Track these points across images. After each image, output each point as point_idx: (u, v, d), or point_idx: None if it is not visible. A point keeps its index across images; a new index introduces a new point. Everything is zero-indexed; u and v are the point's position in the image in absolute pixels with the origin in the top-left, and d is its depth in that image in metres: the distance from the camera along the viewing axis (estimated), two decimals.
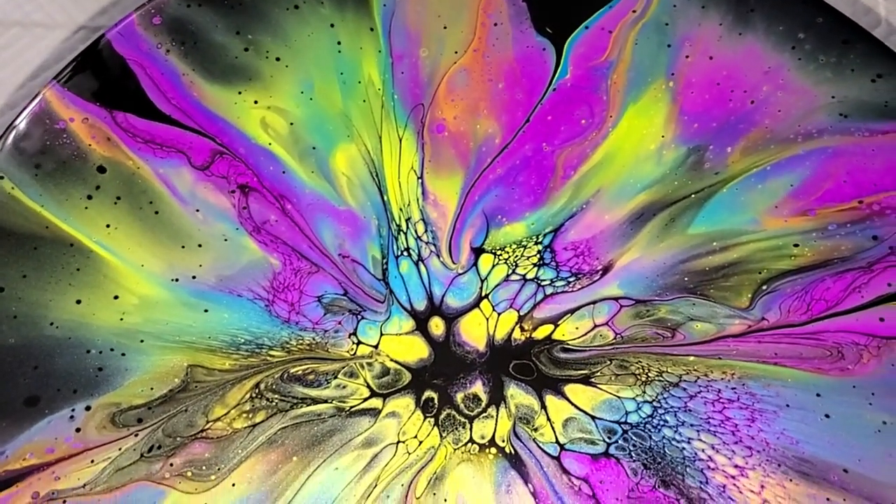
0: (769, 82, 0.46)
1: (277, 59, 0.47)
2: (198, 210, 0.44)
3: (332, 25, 0.48)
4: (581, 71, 0.47)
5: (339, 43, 0.48)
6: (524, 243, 0.44)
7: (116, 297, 0.42)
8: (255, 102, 0.46)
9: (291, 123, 0.46)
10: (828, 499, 0.38)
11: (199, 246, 0.43)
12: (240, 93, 0.46)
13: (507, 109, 0.46)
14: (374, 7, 0.48)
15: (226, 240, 0.44)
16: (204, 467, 0.39)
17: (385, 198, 0.45)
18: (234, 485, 0.39)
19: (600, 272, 0.43)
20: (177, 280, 0.43)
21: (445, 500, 0.39)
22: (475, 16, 0.48)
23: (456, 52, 0.47)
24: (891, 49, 0.46)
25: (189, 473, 0.39)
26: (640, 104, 0.46)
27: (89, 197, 0.44)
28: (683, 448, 0.39)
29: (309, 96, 0.46)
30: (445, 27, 0.48)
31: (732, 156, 0.45)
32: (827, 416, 0.40)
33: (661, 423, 0.40)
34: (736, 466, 0.39)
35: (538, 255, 0.43)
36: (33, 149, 0.45)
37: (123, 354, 0.41)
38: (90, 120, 0.45)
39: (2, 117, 0.50)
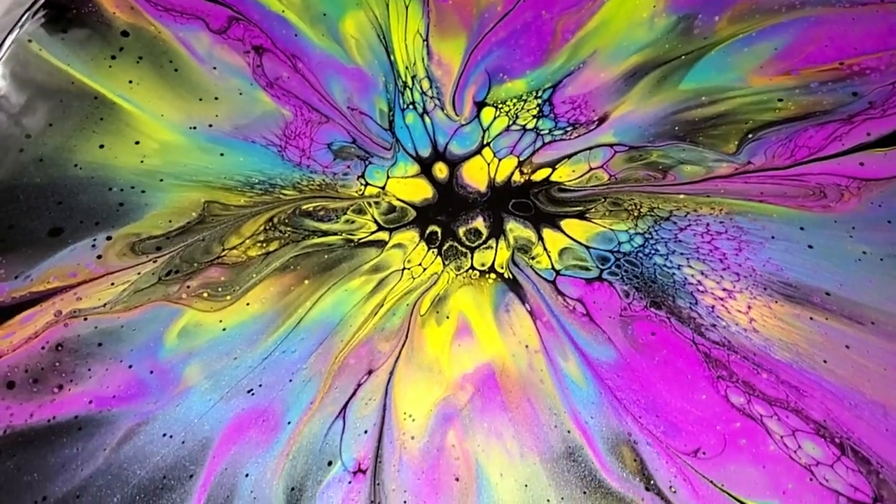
0: None
1: None
2: (215, 68, 0.46)
3: None
4: None
5: None
6: (524, 98, 0.46)
7: (137, 143, 0.45)
8: None
9: None
10: (811, 318, 0.40)
11: (216, 99, 0.46)
12: None
13: None
14: None
15: (241, 94, 0.46)
16: (220, 289, 0.41)
17: (392, 57, 0.47)
18: (248, 304, 0.41)
19: (596, 122, 0.45)
20: (194, 128, 0.45)
21: (447, 317, 0.41)
22: None
23: None
24: None
25: (205, 294, 0.41)
26: None
27: (113, 57, 0.47)
28: (674, 274, 0.42)
29: None
30: None
31: (720, 23, 0.47)
32: (810, 246, 0.42)
33: (653, 251, 0.42)
34: (724, 290, 0.41)
35: (538, 108, 0.46)
36: (61, 17, 0.47)
37: (143, 192, 0.43)
38: None
39: None
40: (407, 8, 0.48)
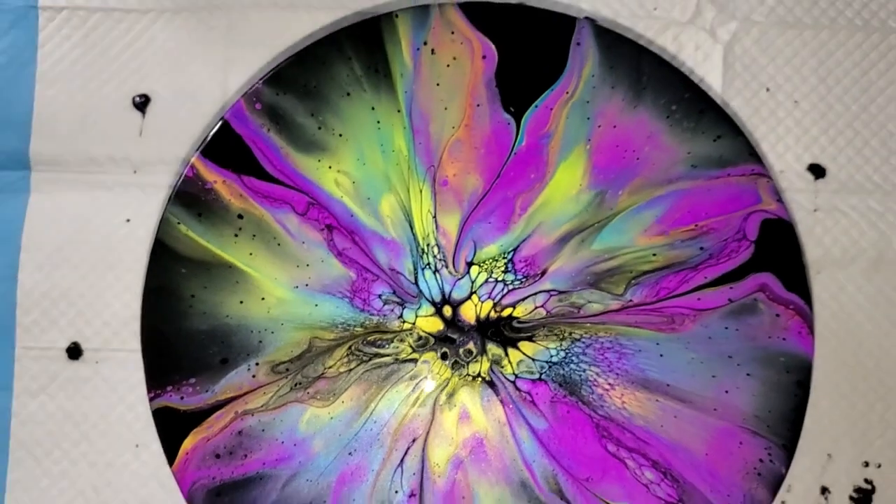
0: (650, 144, 0.73)
1: (340, 134, 0.74)
2: (303, 242, 0.74)
3: (372, 108, 0.74)
4: (532, 139, 0.74)
5: (378, 122, 0.74)
6: (496, 258, 0.74)
7: (263, 299, 0.74)
8: (329, 167, 0.74)
9: (354, 182, 0.74)
10: (658, 400, 0.73)
11: (307, 265, 0.74)
12: (319, 160, 0.74)
13: (486, 169, 0.74)
14: (399, 93, 0.74)
15: (322, 261, 0.74)
16: (326, 394, 0.73)
17: (413, 231, 0.74)
18: (343, 402, 0.73)
19: (540, 275, 0.74)
20: (297, 287, 0.74)
21: (455, 406, 0.73)
22: (465, 99, 0.74)
23: (453, 127, 0.74)
24: (731, 116, 0.73)
25: (318, 397, 0.73)
26: (567, 162, 0.74)
27: (235, 235, 0.74)
28: (580, 374, 0.73)
29: (363, 162, 0.74)
30: (446, 108, 0.74)
31: (622, 196, 0.74)
32: (661, 355, 0.73)
33: (570, 361, 0.73)
34: (609, 384, 0.73)
35: (505, 265, 0.74)
36: (195, 202, 0.73)
37: (273, 332, 0.73)
38: (227, 182, 0.73)
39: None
40: (421, 192, 0.74)
